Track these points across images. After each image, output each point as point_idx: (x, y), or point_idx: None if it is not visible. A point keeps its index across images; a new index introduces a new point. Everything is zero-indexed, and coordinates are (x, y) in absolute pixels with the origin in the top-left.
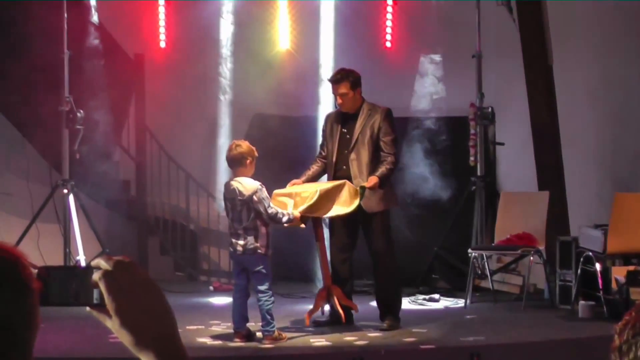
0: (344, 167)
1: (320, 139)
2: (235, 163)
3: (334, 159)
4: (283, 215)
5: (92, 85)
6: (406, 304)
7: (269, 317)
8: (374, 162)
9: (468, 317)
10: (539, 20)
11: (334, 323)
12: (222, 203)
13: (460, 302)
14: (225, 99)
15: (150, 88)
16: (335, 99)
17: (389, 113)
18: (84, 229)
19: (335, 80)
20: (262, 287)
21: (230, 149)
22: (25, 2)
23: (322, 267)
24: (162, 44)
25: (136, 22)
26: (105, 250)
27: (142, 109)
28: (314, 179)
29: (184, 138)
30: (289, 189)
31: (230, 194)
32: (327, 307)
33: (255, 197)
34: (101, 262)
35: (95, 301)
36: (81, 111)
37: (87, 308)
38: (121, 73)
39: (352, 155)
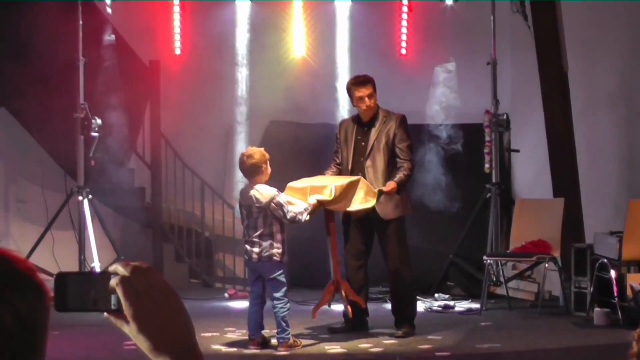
0: (360, 174)
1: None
2: (252, 173)
3: (350, 167)
4: (302, 214)
5: (108, 91)
6: (421, 310)
7: (284, 324)
8: (390, 168)
9: (483, 324)
10: (554, 27)
11: (348, 330)
12: (237, 210)
13: (476, 309)
14: (240, 106)
15: (166, 95)
16: (354, 103)
17: (404, 119)
18: (99, 236)
19: (362, 82)
20: (277, 294)
21: (242, 162)
22: (40, 10)
23: (332, 261)
24: (178, 51)
25: (151, 29)
26: (121, 257)
27: (158, 115)
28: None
29: (199, 145)
30: (302, 182)
31: (247, 201)
32: (340, 308)
33: (273, 204)
34: (119, 268)
35: (112, 307)
36: (96, 118)
37: (105, 314)
38: (136, 80)
39: (368, 163)
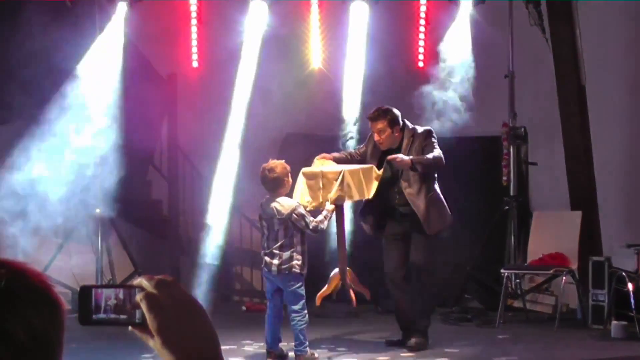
0: (397, 197)
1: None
2: (274, 186)
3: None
4: (322, 222)
5: (125, 104)
6: (439, 323)
7: (302, 336)
8: (427, 185)
9: (500, 336)
10: (572, 40)
11: (401, 343)
12: (255, 223)
13: (493, 322)
14: (257, 119)
15: (183, 107)
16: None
17: (429, 133)
18: (116, 249)
19: (373, 118)
20: (296, 307)
21: (264, 175)
22: (58, 23)
23: (339, 250)
24: (195, 64)
25: (169, 42)
26: (138, 270)
27: (175, 128)
28: (340, 161)
29: (216, 157)
30: (316, 166)
31: (268, 214)
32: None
33: (295, 215)
34: (143, 282)
35: (137, 320)
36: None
37: (129, 327)
38: (154, 93)
39: (405, 184)
